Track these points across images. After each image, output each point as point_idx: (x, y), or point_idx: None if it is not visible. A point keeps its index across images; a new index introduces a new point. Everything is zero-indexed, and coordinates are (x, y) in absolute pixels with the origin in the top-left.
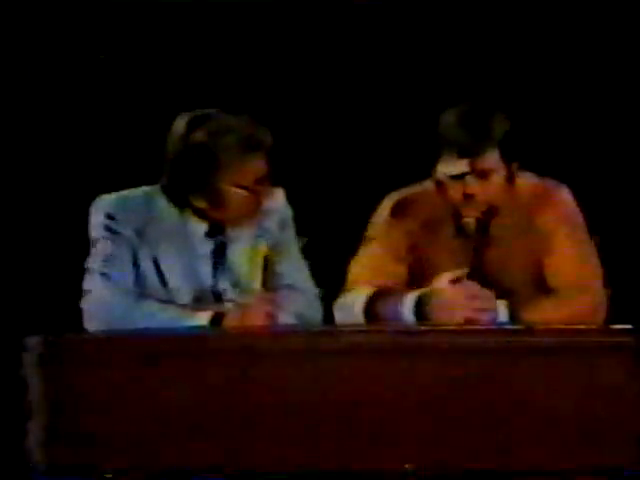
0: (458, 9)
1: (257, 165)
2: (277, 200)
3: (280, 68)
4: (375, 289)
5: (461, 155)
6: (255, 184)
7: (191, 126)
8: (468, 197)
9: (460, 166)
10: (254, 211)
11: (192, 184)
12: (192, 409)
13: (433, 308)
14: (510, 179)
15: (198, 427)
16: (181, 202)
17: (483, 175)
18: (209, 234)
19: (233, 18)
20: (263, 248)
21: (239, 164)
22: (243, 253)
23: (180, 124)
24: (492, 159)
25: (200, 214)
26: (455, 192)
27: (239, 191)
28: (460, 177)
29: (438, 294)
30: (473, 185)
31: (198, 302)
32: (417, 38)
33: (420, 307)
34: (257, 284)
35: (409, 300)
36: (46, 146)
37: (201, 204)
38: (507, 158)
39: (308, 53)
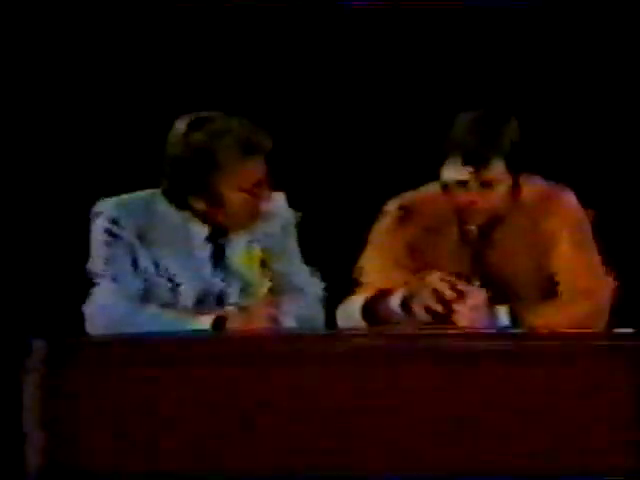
0: (469, 16)
1: (256, 168)
2: (278, 204)
3: (284, 72)
4: (373, 291)
5: (466, 162)
6: (254, 187)
7: (191, 128)
8: (470, 204)
9: (463, 173)
10: (253, 214)
11: (191, 186)
12: (194, 412)
13: (418, 300)
14: (515, 189)
15: (201, 430)
16: (181, 204)
17: (487, 185)
18: (210, 237)
19: (236, 21)
20: (258, 252)
21: (238, 166)
22: (239, 256)
23: (180, 126)
24: (497, 170)
25: (201, 217)
26: (459, 199)
27: (238, 194)
28: (463, 184)
29: (424, 286)
30: (475, 193)
31: (200, 305)
32: (422, 43)
33: (407, 300)
34: (257, 287)
35: (398, 293)
36: (48, 150)
37: (201, 206)
38: (514, 169)
39: (313, 57)
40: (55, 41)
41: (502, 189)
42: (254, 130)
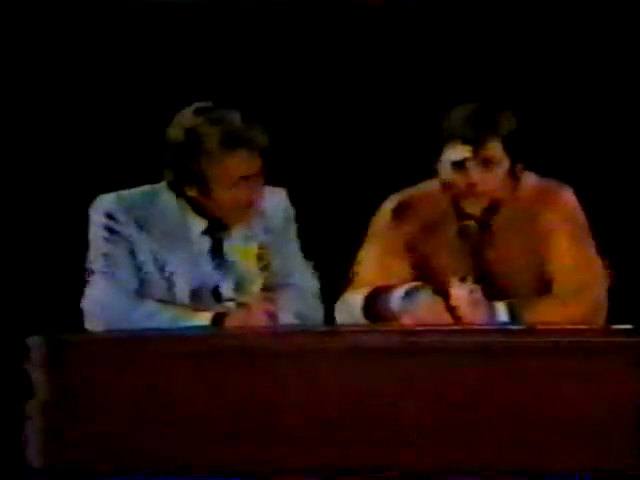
0: (466, 9)
1: (240, 162)
2: (279, 200)
3: (284, 66)
4: (373, 288)
5: (465, 142)
6: (242, 181)
7: (190, 114)
8: (470, 186)
9: (462, 152)
10: (246, 210)
11: (183, 170)
12: (193, 409)
13: (418, 301)
14: (513, 175)
15: (199, 427)
16: (179, 192)
17: (485, 163)
18: (208, 231)
19: (236, 16)
20: (255, 248)
21: (221, 157)
22: (237, 252)
23: (179, 115)
24: (495, 149)
25: (197, 209)
26: (458, 182)
27: (227, 191)
28: (462, 165)
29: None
30: (475, 173)
31: (196, 300)
32: (421, 37)
33: (408, 298)
34: (254, 283)
35: (398, 290)
36: (46, 146)
37: (193, 194)
38: (511, 155)
39: (313, 53)
40: (53, 37)
41: (500, 171)
42: (248, 125)
